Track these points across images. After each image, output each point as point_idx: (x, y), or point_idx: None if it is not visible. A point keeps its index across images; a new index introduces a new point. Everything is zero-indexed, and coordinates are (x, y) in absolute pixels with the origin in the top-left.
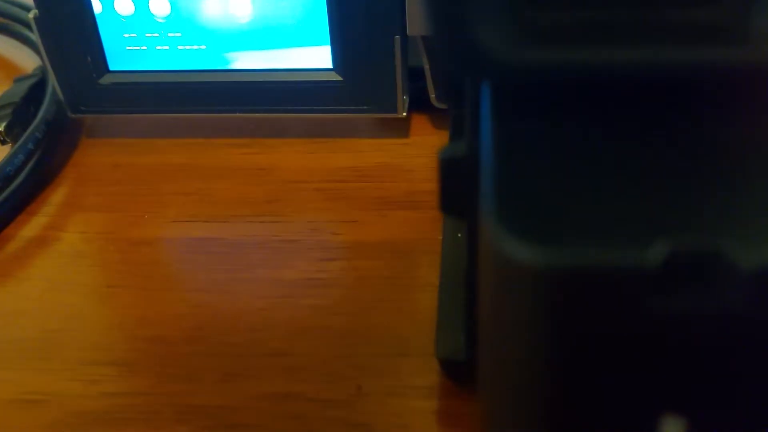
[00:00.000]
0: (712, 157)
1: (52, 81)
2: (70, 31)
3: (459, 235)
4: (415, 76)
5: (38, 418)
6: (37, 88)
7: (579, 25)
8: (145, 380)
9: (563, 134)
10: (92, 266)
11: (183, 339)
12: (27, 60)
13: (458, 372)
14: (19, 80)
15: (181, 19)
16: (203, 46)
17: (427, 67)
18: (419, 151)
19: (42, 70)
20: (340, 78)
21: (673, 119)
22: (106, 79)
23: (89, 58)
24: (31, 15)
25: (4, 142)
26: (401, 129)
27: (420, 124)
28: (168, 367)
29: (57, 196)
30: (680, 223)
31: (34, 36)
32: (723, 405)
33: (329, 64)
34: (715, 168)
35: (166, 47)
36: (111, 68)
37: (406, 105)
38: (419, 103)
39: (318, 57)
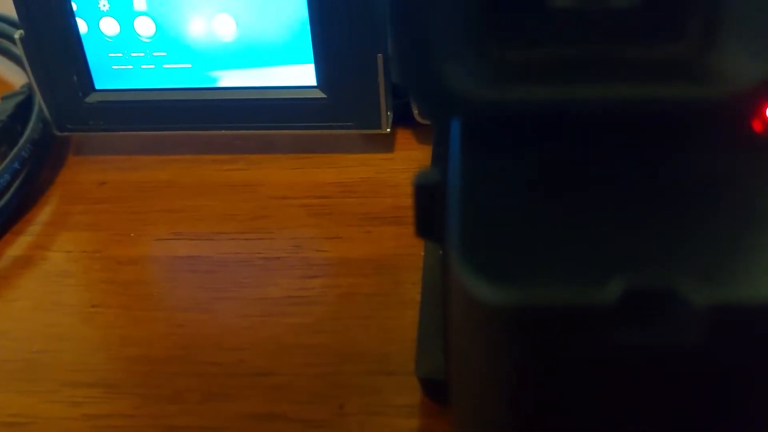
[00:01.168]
0: (670, 193)
1: (39, 100)
2: (56, 51)
3: (440, 252)
4: (398, 92)
5: None
6: (23, 106)
7: (543, 62)
8: (128, 401)
9: (528, 170)
10: (77, 286)
11: (167, 359)
12: (14, 75)
13: (438, 391)
14: (5, 98)
15: (166, 38)
16: (188, 65)
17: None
18: (404, 165)
19: (29, 88)
20: (324, 95)
21: (635, 154)
22: (92, 98)
23: (75, 77)
24: (17, 35)
25: None
26: (386, 144)
27: (404, 139)
28: (151, 388)
29: (43, 215)
30: (637, 260)
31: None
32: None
33: (313, 82)
34: (673, 204)
35: (152, 66)
36: (97, 87)
37: (390, 121)
38: (403, 119)
39: (302, 75)
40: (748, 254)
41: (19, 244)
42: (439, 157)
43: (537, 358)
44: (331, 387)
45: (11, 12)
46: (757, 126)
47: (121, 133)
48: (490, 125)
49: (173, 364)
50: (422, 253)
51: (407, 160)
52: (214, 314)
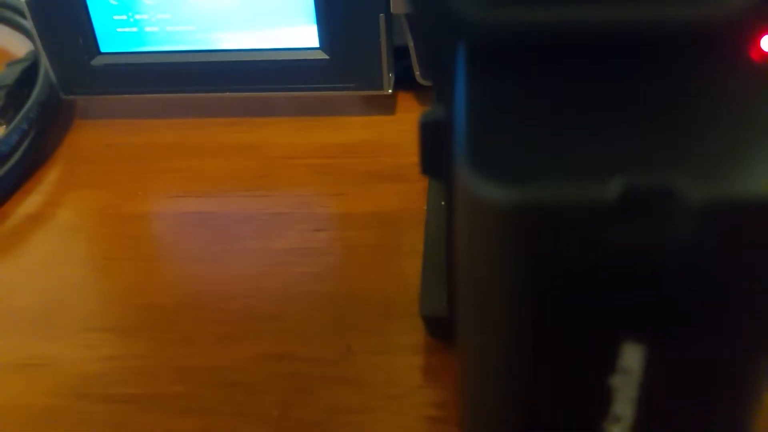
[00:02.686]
0: (669, 105)
1: (45, 63)
2: (62, 15)
3: (443, 203)
4: (400, 55)
5: (39, 380)
6: (29, 72)
7: None
8: (143, 344)
9: (532, 88)
10: (88, 240)
11: (178, 306)
12: (19, 46)
13: (441, 329)
14: (11, 64)
15: (169, 0)
16: (192, 27)
17: (411, 45)
18: (405, 126)
19: (34, 55)
20: (326, 56)
21: (635, 73)
22: (97, 61)
23: (80, 41)
24: (24, 0)
25: None
26: (388, 106)
27: (406, 101)
28: (164, 332)
29: (52, 175)
30: (637, 161)
31: (26, 22)
32: (680, 330)
33: (316, 43)
34: (671, 113)
35: (156, 29)
36: (102, 50)
37: (392, 82)
38: (405, 82)
39: (305, 36)
40: (740, 157)
41: (30, 202)
42: (442, 96)
43: (541, 258)
44: (338, 330)
45: None
46: (754, 55)
47: (126, 96)
48: (494, 51)
49: (184, 311)
50: (424, 207)
51: (409, 121)
52: (223, 265)
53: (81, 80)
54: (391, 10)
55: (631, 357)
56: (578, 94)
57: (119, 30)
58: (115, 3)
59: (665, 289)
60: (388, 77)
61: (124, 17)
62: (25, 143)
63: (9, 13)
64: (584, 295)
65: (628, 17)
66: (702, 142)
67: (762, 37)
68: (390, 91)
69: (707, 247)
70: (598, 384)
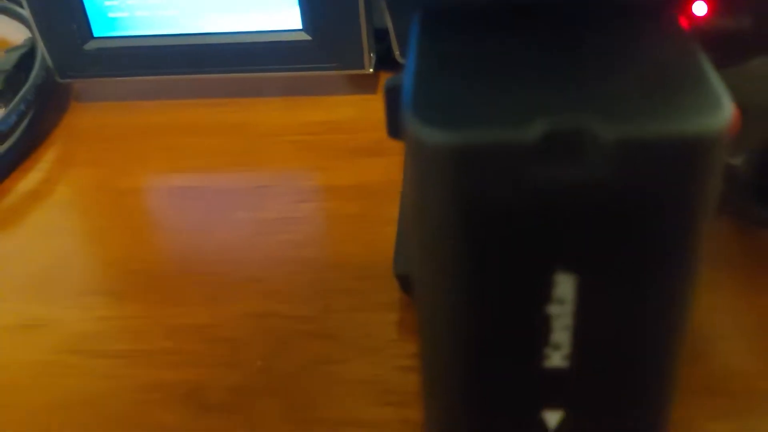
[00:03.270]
0: (591, 60)
1: (41, 48)
2: (56, 2)
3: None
4: (381, 36)
5: (39, 339)
6: (27, 58)
7: None
8: (136, 306)
9: (472, 48)
10: (84, 213)
11: (169, 271)
12: (17, 34)
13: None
14: (9, 51)
15: None
16: (179, 11)
17: (390, 26)
18: None
19: (31, 42)
20: (309, 37)
21: (567, 32)
22: (90, 45)
23: (75, 26)
24: None
25: None
26: (369, 86)
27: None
28: (156, 294)
29: (49, 154)
30: (557, 108)
31: (24, 11)
32: (604, 260)
33: (299, 25)
34: (594, 67)
35: (146, 13)
36: (95, 35)
37: (373, 61)
38: (386, 62)
39: (287, 18)
40: (649, 102)
41: (29, 179)
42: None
43: (475, 195)
44: (318, 291)
45: None
46: (683, 23)
47: (119, 78)
48: (443, 18)
49: (174, 275)
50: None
51: None
52: (211, 234)
53: (75, 64)
54: None
55: (564, 287)
56: (512, 52)
57: (111, 15)
58: None
59: (588, 223)
60: (369, 57)
61: (115, 2)
62: (23, 124)
63: (7, 3)
64: (517, 230)
65: None
66: (617, 90)
67: (692, 2)
68: (371, 70)
69: (621, 182)
70: (537, 314)
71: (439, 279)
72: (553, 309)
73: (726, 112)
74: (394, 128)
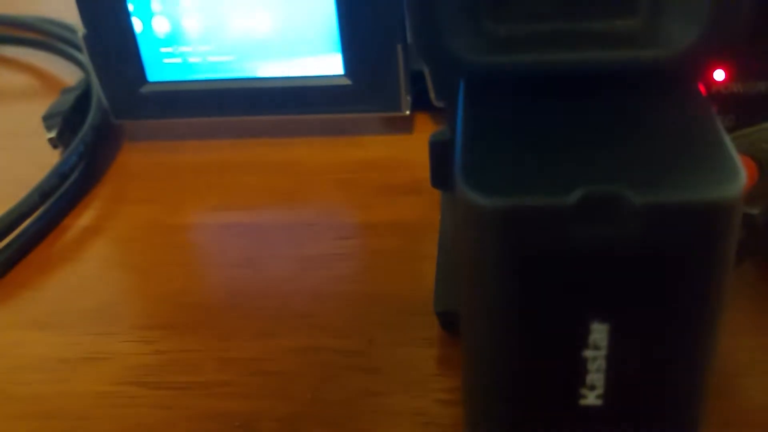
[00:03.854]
0: (624, 130)
1: (98, 91)
2: (114, 47)
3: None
4: (417, 79)
5: (106, 370)
6: (82, 99)
7: (526, 34)
8: (190, 339)
9: (515, 115)
10: (138, 249)
11: (220, 305)
12: (69, 74)
13: (453, 323)
14: (65, 92)
15: (210, 34)
16: (231, 57)
17: (426, 70)
18: (422, 144)
19: (85, 83)
20: (350, 82)
21: (600, 102)
22: (145, 89)
23: (130, 71)
24: (80, 34)
25: (56, 147)
26: (405, 126)
27: (422, 121)
28: (209, 329)
29: (105, 191)
30: (595, 174)
31: (77, 53)
32: (634, 311)
33: (341, 71)
34: (626, 136)
35: (198, 59)
36: (149, 79)
37: (409, 104)
38: (421, 103)
39: (330, 64)
40: (675, 170)
41: (87, 215)
42: (450, 120)
43: (519, 253)
44: (362, 325)
45: (64, 17)
46: (704, 86)
47: (171, 120)
48: (486, 86)
49: (226, 310)
50: (438, 217)
51: (425, 140)
52: (260, 270)
53: (130, 106)
54: (408, 41)
55: (599, 334)
56: (552, 121)
57: (165, 61)
58: (162, 37)
59: (620, 277)
60: (406, 100)
61: (170, 49)
62: (82, 163)
63: (61, 45)
64: (557, 283)
65: (592, 58)
66: (645, 158)
67: (713, 71)
68: (408, 112)
69: (649, 241)
70: (574, 357)
71: (486, 322)
72: (588, 353)
73: (741, 179)
74: (438, 179)
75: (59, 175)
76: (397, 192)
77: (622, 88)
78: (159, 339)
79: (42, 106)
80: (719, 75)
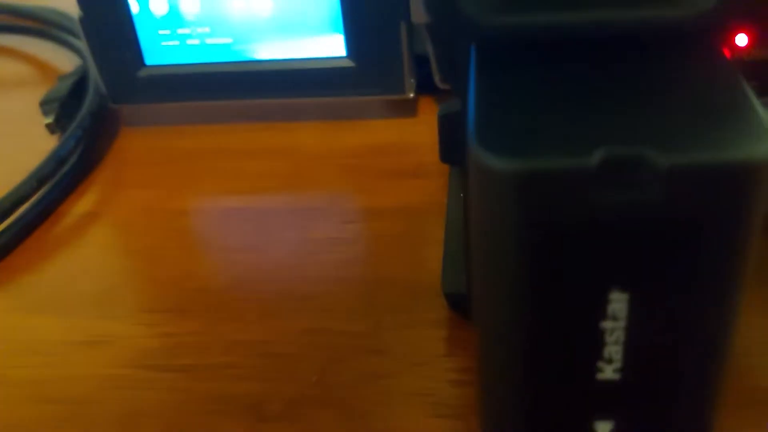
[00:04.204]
0: (646, 90)
1: (95, 76)
2: (111, 30)
3: (461, 195)
4: (421, 63)
5: (109, 354)
6: (79, 85)
7: None
8: (196, 322)
9: (531, 79)
10: (139, 233)
11: (225, 289)
12: (66, 61)
13: (461, 304)
14: (63, 78)
15: (209, 16)
16: (229, 40)
17: (430, 52)
18: (427, 128)
19: (83, 69)
20: (353, 64)
21: (620, 64)
22: (143, 72)
23: (128, 54)
24: (76, 16)
25: (53, 132)
26: (409, 109)
27: (426, 105)
28: (214, 312)
29: (103, 176)
30: (616, 136)
31: (73, 38)
32: (656, 279)
33: (343, 52)
34: (647, 97)
35: (196, 41)
36: (147, 62)
37: (414, 87)
38: (425, 87)
39: (332, 45)
40: (697, 131)
41: (85, 200)
42: (457, 91)
43: (538, 217)
44: (368, 308)
45: (61, 4)
46: (727, 50)
47: (169, 104)
48: (499, 52)
49: (231, 293)
50: (445, 201)
51: (430, 123)
52: (264, 253)
53: (128, 90)
54: (412, 19)
55: (618, 304)
56: (570, 83)
57: (163, 44)
58: (159, 19)
59: (642, 243)
60: (410, 82)
61: (167, 32)
62: (80, 148)
63: (56, 31)
64: (576, 250)
65: (612, 18)
66: (669, 118)
67: (735, 34)
68: (412, 95)
69: (673, 205)
70: (591, 329)
71: (500, 294)
72: (607, 325)
73: None
74: (447, 153)
75: (57, 159)
76: (402, 176)
77: (643, 51)
78: (163, 322)
79: (39, 93)
80: (742, 40)
